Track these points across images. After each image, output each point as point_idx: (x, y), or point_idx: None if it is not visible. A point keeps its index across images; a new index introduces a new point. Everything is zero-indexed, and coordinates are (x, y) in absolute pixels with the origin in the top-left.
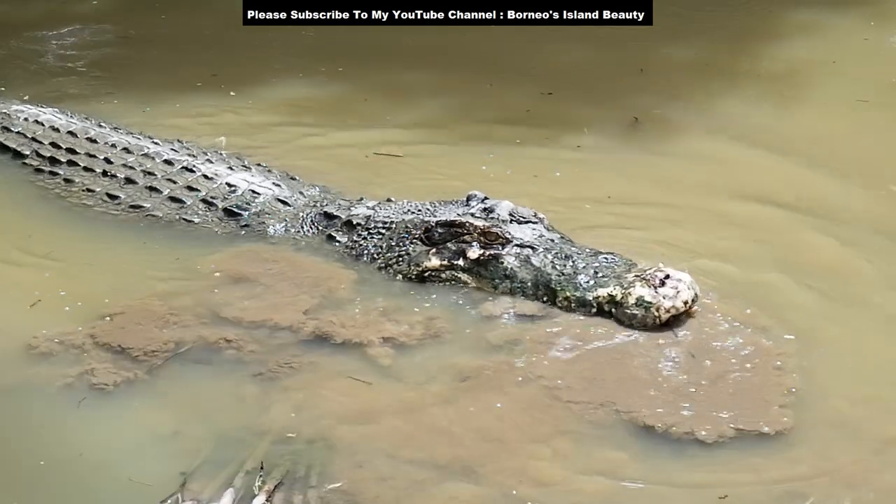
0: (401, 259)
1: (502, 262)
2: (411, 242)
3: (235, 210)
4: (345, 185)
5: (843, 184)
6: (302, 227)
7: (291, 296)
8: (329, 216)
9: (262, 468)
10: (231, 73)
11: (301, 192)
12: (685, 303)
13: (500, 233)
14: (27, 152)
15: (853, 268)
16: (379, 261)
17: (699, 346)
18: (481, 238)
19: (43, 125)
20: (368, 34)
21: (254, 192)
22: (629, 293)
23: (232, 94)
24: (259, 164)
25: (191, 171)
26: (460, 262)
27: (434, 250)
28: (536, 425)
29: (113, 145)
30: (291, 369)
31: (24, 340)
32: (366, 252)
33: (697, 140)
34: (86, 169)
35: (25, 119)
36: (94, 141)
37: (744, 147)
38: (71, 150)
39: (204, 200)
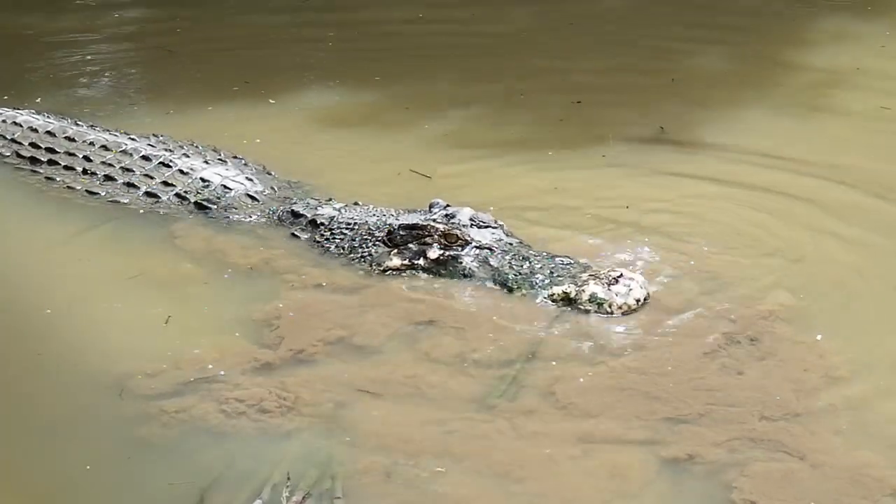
0: (363, 259)
1: (461, 262)
2: (374, 244)
3: (205, 204)
4: (378, 200)
5: (870, 191)
6: (267, 222)
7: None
8: (296, 214)
9: (288, 479)
10: (263, 82)
11: (273, 188)
12: (637, 300)
13: (459, 234)
14: (7, 153)
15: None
16: (340, 259)
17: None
18: (442, 240)
19: (21, 126)
20: (400, 42)
21: (225, 186)
22: (583, 290)
23: (271, 101)
24: (236, 157)
25: (167, 166)
26: (421, 261)
27: (396, 251)
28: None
29: (91, 143)
30: (320, 380)
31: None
32: (326, 252)
33: (721, 149)
34: (66, 168)
35: (3, 121)
36: (72, 140)
37: (767, 156)
38: (50, 150)
39: (178, 195)
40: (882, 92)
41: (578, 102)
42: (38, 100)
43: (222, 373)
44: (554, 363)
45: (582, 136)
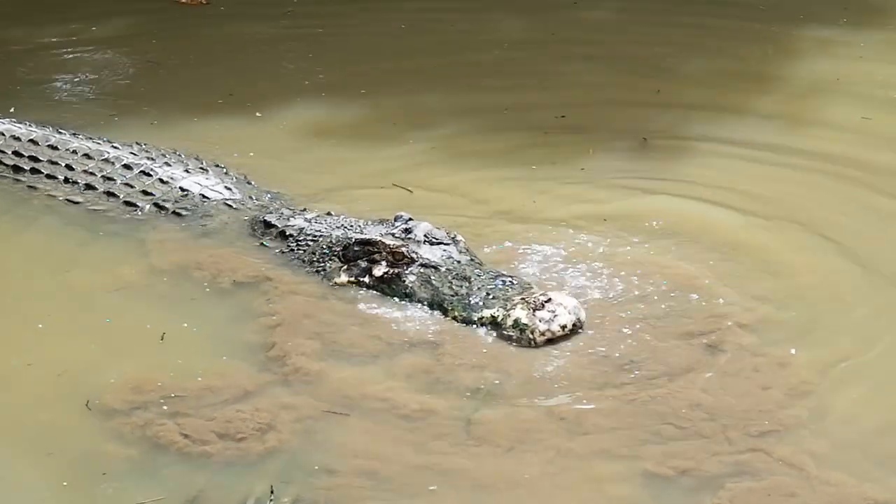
0: (318, 273)
1: (404, 281)
2: (330, 259)
3: (182, 213)
4: (357, 213)
5: (853, 204)
6: (241, 232)
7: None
8: (267, 224)
9: (272, 492)
10: (249, 94)
11: (251, 197)
12: (562, 327)
13: (406, 252)
14: None
15: (869, 290)
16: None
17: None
18: (389, 257)
19: (3, 135)
20: (386, 55)
21: (204, 196)
22: (509, 315)
23: (258, 114)
24: (217, 166)
25: (148, 175)
26: (366, 279)
27: (346, 267)
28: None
29: (74, 151)
30: (300, 399)
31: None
32: (289, 263)
33: (702, 161)
34: (48, 176)
35: None
36: (55, 148)
37: (750, 169)
38: (34, 158)
39: (156, 204)
40: (863, 103)
41: (563, 116)
42: (12, 109)
43: (202, 392)
44: (527, 380)
45: (565, 149)
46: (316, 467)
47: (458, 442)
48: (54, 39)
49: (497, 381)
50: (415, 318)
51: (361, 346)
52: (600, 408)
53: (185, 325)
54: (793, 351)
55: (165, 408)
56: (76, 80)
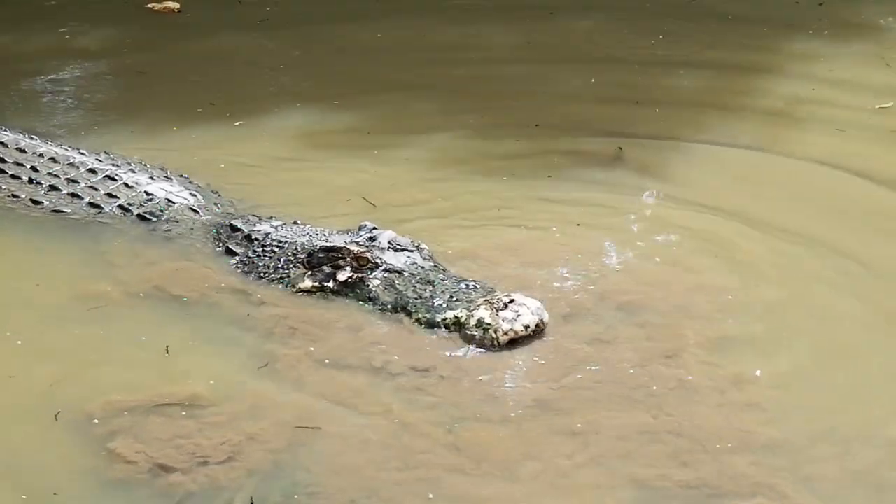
0: (281, 280)
1: (367, 285)
2: (294, 266)
3: (147, 216)
4: (321, 223)
5: (827, 221)
6: (206, 236)
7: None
8: (234, 228)
9: None
10: (229, 104)
11: (216, 204)
12: (525, 327)
13: (370, 258)
14: None
15: (848, 306)
16: (265, 279)
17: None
18: (354, 262)
19: None
20: (361, 63)
21: (169, 200)
22: (472, 315)
23: (237, 123)
24: (181, 176)
25: (113, 179)
26: (330, 284)
27: (310, 273)
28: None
29: (40, 155)
30: (279, 402)
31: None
32: (255, 270)
33: (676, 172)
34: (13, 176)
35: None
36: (23, 151)
37: (722, 181)
38: (0, 160)
39: (121, 207)
40: (836, 115)
41: (537, 125)
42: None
43: (176, 409)
44: (512, 393)
45: (535, 158)
46: (298, 480)
47: (446, 455)
48: (33, 49)
49: (484, 395)
50: (397, 326)
51: (345, 358)
52: (591, 423)
53: (165, 340)
54: (758, 373)
55: (139, 426)
56: (56, 88)
